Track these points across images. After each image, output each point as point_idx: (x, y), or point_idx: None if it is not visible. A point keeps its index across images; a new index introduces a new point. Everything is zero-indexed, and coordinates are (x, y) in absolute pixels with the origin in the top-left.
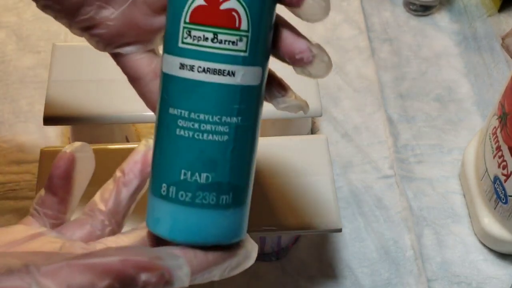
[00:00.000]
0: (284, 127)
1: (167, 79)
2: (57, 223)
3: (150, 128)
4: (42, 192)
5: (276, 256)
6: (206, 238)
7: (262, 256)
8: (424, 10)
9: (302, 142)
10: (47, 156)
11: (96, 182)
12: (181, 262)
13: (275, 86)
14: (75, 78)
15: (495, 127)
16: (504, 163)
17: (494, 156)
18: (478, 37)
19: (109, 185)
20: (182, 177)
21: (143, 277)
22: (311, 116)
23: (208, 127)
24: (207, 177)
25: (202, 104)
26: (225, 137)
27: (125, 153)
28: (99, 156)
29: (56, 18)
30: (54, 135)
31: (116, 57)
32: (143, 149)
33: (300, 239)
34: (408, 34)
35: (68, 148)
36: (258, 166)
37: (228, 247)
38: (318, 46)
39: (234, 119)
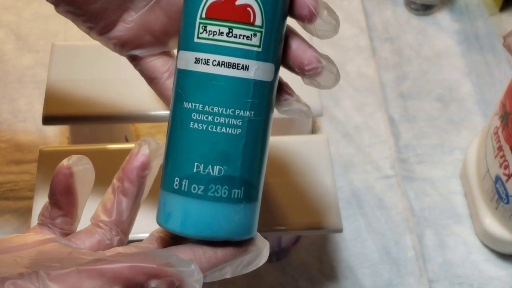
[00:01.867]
0: (285, 127)
1: (182, 74)
2: (65, 232)
3: (149, 128)
4: (47, 203)
5: (276, 256)
6: (217, 232)
7: None
8: (425, 9)
9: (302, 142)
10: (46, 156)
11: (96, 182)
12: (192, 269)
13: (280, 90)
14: (74, 78)
15: (496, 127)
16: (506, 163)
17: (496, 156)
18: (479, 36)
19: (109, 194)
20: (195, 170)
21: (152, 284)
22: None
23: (222, 119)
24: (220, 170)
25: (216, 97)
26: (238, 130)
27: (125, 153)
28: (98, 156)
29: (75, 22)
30: (53, 135)
31: (133, 60)
32: (136, 152)
33: (300, 240)
34: (409, 34)
35: (65, 162)
36: None
37: (238, 244)
38: (327, 58)
39: (247, 113)
